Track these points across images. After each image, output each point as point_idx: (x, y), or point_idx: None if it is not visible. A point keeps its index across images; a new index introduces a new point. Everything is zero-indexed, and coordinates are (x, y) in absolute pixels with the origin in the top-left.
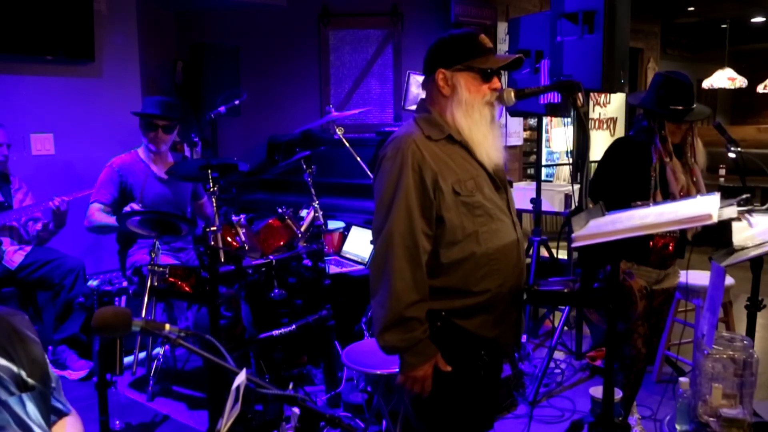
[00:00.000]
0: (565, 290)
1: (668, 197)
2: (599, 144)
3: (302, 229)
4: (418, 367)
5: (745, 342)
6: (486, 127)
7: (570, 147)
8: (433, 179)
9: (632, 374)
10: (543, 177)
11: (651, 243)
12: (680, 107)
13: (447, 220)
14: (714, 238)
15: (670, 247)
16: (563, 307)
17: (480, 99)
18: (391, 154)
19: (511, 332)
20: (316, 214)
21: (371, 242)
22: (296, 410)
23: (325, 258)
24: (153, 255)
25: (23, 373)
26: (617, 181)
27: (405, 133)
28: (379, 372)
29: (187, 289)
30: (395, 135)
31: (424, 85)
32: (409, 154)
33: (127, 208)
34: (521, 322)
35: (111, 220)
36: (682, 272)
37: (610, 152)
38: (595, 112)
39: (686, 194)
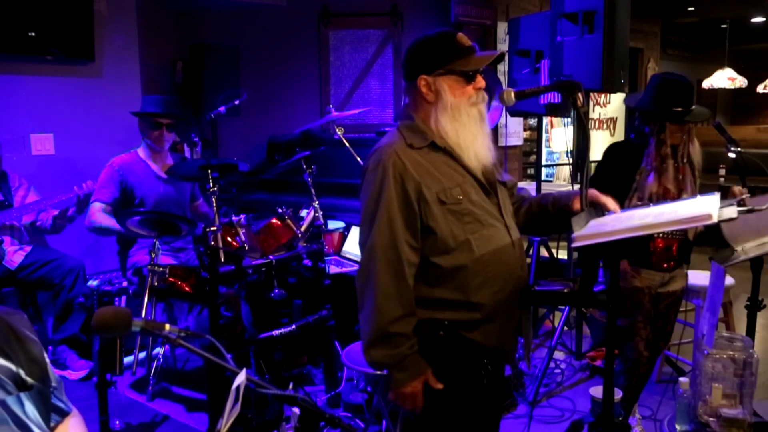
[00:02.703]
0: (565, 290)
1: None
2: (599, 144)
3: (302, 229)
4: (407, 383)
5: (745, 342)
6: (475, 128)
7: (570, 147)
8: (416, 189)
9: (634, 377)
10: (543, 177)
11: (652, 245)
12: (680, 108)
13: (435, 230)
14: (715, 238)
15: (674, 250)
16: (563, 307)
17: (466, 101)
18: (372, 166)
19: (513, 337)
20: (316, 214)
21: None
22: (296, 410)
23: (325, 258)
24: (153, 255)
25: (22, 373)
26: (613, 186)
27: (386, 144)
28: (379, 372)
29: (187, 289)
30: (377, 146)
31: (407, 91)
32: (390, 166)
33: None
34: (525, 324)
35: (112, 222)
36: None
37: (606, 157)
38: (595, 112)
39: (660, 200)
